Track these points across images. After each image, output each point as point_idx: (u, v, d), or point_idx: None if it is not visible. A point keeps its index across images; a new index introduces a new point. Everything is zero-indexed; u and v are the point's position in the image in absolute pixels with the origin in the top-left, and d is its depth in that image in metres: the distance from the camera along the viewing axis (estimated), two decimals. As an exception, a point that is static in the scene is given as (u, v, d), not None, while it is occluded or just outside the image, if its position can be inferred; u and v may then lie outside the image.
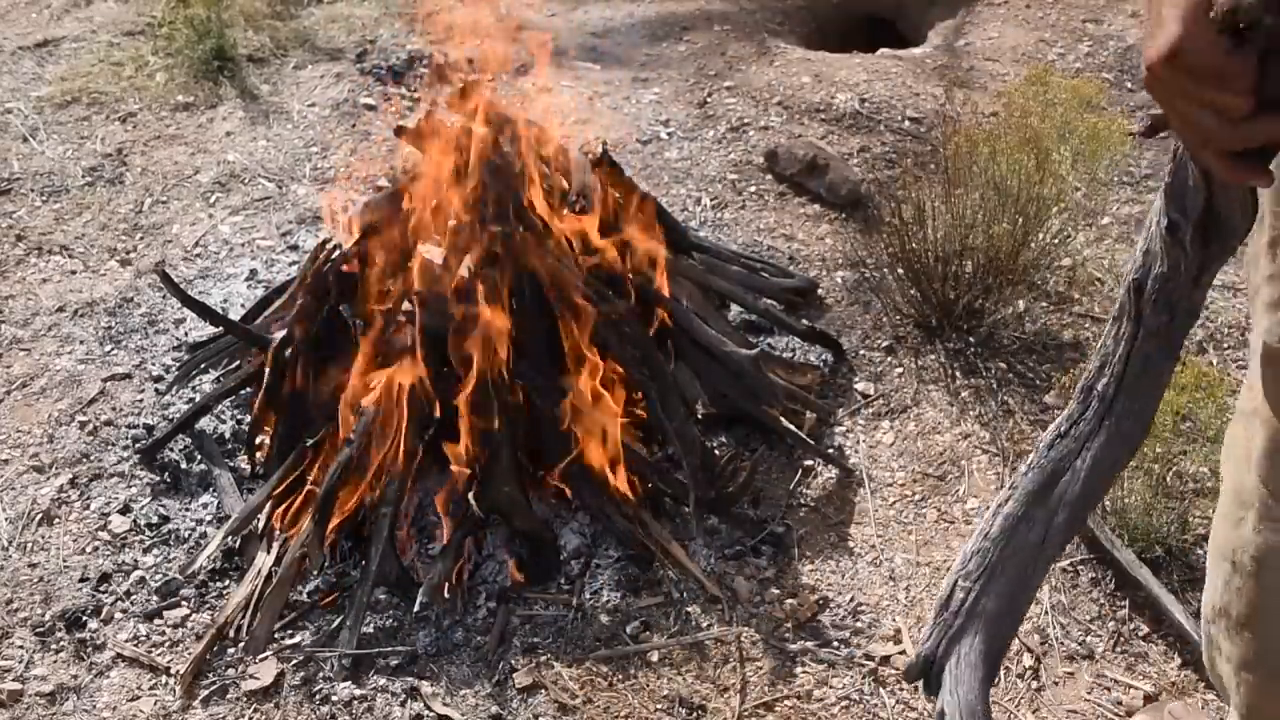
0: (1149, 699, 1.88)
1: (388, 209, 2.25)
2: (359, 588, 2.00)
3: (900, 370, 2.56)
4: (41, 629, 2.02)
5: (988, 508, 1.26)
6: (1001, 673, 1.92)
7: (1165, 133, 1.00)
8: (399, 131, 2.27)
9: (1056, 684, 1.92)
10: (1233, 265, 2.47)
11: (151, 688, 1.92)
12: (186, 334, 2.69)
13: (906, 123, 3.39)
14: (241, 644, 1.97)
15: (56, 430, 2.44)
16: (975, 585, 1.22)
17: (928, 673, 1.23)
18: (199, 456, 2.34)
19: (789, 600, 2.05)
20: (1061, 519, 1.21)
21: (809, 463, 2.33)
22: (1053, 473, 1.23)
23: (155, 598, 2.06)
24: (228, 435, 2.40)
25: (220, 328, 2.46)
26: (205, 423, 2.39)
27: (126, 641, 1.99)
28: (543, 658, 1.95)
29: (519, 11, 2.77)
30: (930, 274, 2.55)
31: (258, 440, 2.30)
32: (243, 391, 2.41)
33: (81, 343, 2.68)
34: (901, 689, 1.90)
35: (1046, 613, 2.02)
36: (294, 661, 1.94)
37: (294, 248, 2.99)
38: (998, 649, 1.23)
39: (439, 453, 2.09)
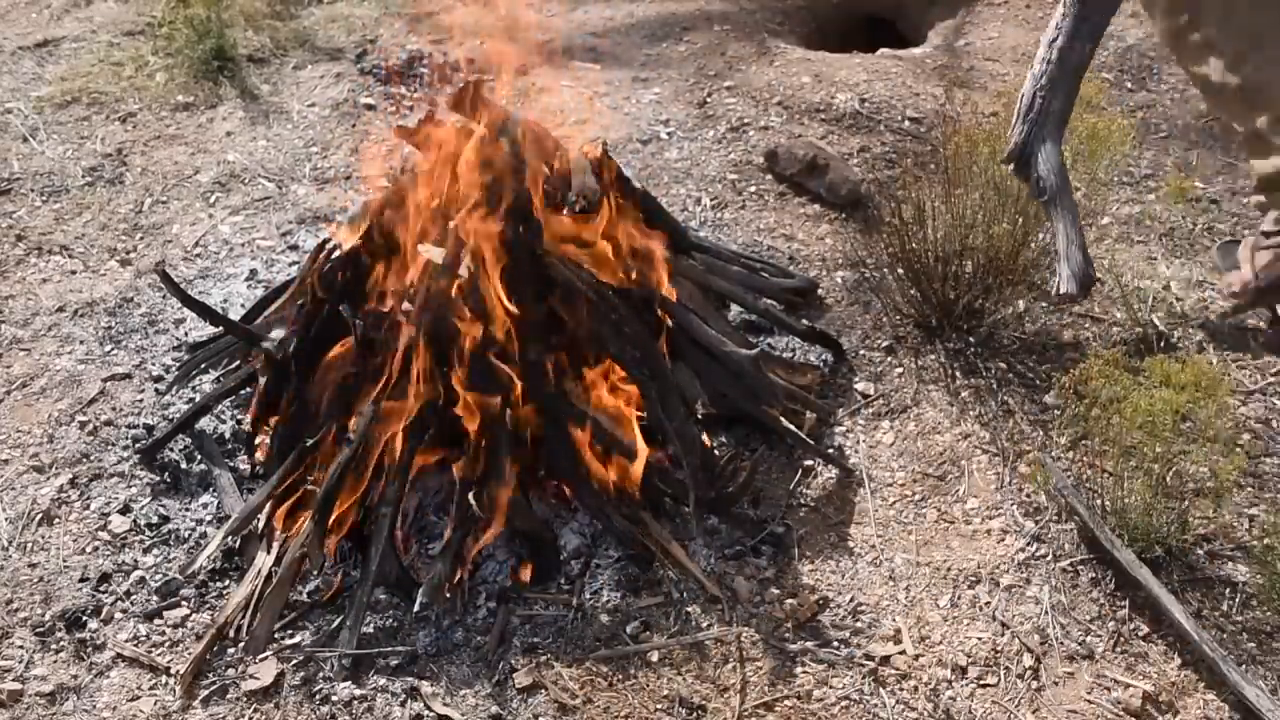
0: (1149, 698, 1.88)
1: (387, 209, 2.25)
2: (359, 588, 2.00)
3: (900, 370, 2.57)
4: (41, 629, 2.02)
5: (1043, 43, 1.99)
6: (1001, 673, 1.93)
7: None
8: (399, 131, 2.27)
9: (1056, 684, 1.92)
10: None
11: (151, 688, 1.92)
12: (186, 334, 2.69)
13: (906, 123, 3.39)
14: (241, 644, 1.97)
15: (56, 430, 2.44)
16: (1046, 94, 1.94)
17: (1019, 158, 1.97)
18: (199, 456, 2.34)
19: (789, 600, 2.05)
20: (1088, 47, 1.97)
21: (809, 463, 2.33)
22: (1077, 19, 1.94)
23: (155, 598, 2.06)
24: (228, 435, 2.40)
25: (220, 328, 2.46)
26: (205, 423, 2.39)
27: (126, 641, 1.99)
28: (543, 658, 1.95)
29: (519, 11, 2.77)
30: (930, 274, 2.55)
31: (258, 440, 2.30)
32: (243, 391, 2.41)
33: (81, 343, 2.68)
34: (901, 689, 1.91)
35: (1046, 613, 2.02)
36: (294, 661, 1.94)
37: (294, 248, 2.99)
38: (1061, 137, 1.98)
39: (439, 452, 2.10)
